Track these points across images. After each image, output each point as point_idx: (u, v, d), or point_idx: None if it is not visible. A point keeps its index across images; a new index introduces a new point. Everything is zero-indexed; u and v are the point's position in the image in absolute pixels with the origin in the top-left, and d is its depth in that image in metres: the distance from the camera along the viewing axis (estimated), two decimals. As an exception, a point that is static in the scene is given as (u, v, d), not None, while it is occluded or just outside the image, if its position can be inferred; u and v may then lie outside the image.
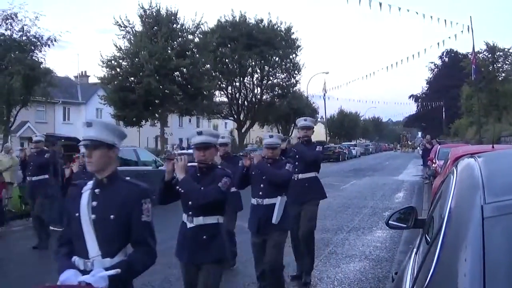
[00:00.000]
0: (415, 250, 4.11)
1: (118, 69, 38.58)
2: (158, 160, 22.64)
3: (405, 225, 4.94)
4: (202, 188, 5.82)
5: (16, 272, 10.56)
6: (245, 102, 52.87)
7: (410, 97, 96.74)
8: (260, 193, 7.82)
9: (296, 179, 8.99)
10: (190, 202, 5.90)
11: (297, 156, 9.23)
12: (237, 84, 51.71)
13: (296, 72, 53.09)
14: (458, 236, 2.54)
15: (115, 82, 38.08)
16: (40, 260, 11.82)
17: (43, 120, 51.48)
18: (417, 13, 34.56)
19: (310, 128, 9.47)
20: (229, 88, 51.84)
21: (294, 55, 52.36)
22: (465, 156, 4.31)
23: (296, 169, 8.88)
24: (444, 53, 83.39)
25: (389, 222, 4.98)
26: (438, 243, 2.70)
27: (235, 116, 53.45)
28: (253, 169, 7.84)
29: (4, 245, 13.60)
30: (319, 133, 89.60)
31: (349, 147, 74.76)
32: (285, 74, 52.74)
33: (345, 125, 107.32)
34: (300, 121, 9.57)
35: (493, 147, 9.66)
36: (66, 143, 18.67)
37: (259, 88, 52.73)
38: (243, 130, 52.87)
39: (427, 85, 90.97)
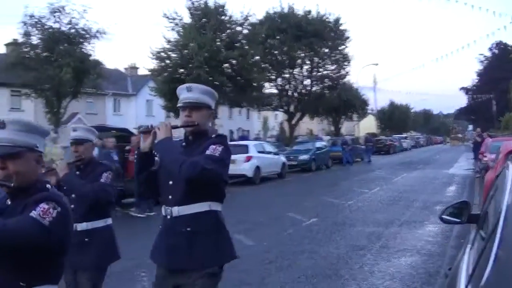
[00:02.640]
0: (469, 246, 4.06)
1: (167, 61, 38.82)
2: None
3: (459, 220, 4.87)
4: None
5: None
6: (295, 94, 52.60)
7: (460, 89, 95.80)
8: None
9: (169, 216, 4.49)
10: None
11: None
12: (287, 75, 51.51)
13: (345, 63, 52.69)
14: (517, 232, 2.51)
15: (165, 74, 38.32)
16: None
17: (94, 111, 52.02)
18: (465, 4, 34.13)
19: (198, 106, 4.64)
20: (279, 79, 51.64)
21: (343, 47, 51.99)
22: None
23: (170, 196, 4.52)
24: (494, 45, 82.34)
25: (443, 216, 4.93)
26: (495, 239, 2.66)
27: (285, 108, 53.28)
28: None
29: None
30: (370, 126, 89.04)
31: (399, 139, 74.13)
32: (334, 66, 52.33)
33: (395, 118, 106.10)
34: (181, 92, 4.77)
35: (544, 141, 9.52)
36: (117, 134, 18.81)
37: (308, 80, 52.43)
38: (293, 122, 52.71)
39: (478, 77, 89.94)
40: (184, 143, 4.72)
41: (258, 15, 47.28)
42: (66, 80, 30.08)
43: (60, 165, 5.75)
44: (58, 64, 30.62)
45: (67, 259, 3.22)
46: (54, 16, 32.43)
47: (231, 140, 39.24)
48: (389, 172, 32.51)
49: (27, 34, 33.04)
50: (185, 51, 36.98)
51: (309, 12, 49.69)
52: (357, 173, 32.60)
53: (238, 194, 22.00)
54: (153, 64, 39.27)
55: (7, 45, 45.76)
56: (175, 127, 4.65)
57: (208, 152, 4.34)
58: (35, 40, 33.27)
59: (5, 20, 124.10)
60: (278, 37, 48.21)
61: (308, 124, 74.29)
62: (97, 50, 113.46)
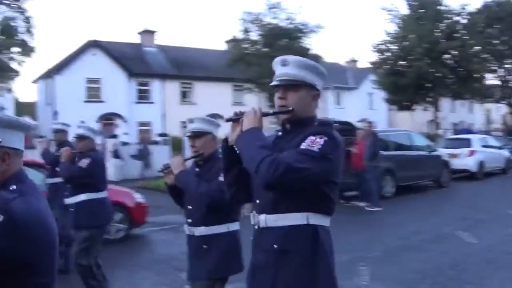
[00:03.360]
0: None
1: (387, 53, 38.84)
2: (432, 145, 22.53)
3: None
4: None
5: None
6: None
7: None
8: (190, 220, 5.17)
9: (256, 226, 3.55)
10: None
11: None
12: (508, 66, 49.31)
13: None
14: None
15: (386, 67, 38.34)
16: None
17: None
18: None
19: (295, 85, 3.47)
20: (500, 70, 49.54)
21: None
22: None
23: (258, 200, 3.57)
24: None
25: None
26: None
27: (508, 100, 51.09)
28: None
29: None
30: None
31: None
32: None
33: None
34: (276, 67, 3.60)
35: None
36: (340, 127, 19.02)
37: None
38: (517, 116, 50.63)
39: None
40: (280, 133, 3.61)
41: (475, 4, 45.89)
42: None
43: (175, 161, 5.19)
44: (278, 59, 31.75)
45: (52, 279, 2.66)
46: (272, 12, 33.62)
47: (455, 133, 38.25)
48: None
49: (246, 31, 34.50)
50: (405, 42, 36.80)
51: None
52: None
53: (461, 190, 21.63)
54: (374, 56, 39.54)
55: (227, 42, 48.03)
56: (266, 114, 3.55)
57: (303, 145, 3.25)
58: (254, 36, 34.63)
59: (225, 18, 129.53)
60: (497, 26, 46.40)
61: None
62: (316, 44, 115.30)
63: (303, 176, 3.12)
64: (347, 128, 18.37)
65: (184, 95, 47.42)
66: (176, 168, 5.07)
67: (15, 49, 28.83)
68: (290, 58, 3.53)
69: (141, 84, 45.45)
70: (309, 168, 3.12)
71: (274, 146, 3.40)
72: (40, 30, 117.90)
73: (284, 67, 3.50)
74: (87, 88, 42.55)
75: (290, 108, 3.42)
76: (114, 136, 30.98)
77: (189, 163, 5.37)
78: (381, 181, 17.83)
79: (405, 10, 39.40)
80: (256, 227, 3.50)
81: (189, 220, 5.08)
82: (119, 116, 42.80)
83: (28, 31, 28.70)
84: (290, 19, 34.18)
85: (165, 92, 45.96)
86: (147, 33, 49.43)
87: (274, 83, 3.52)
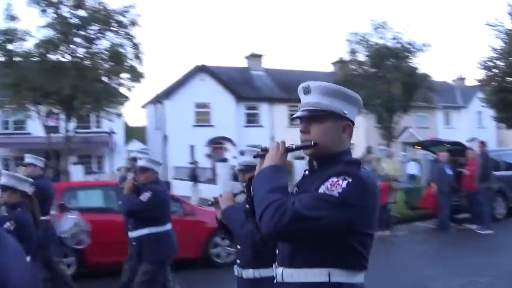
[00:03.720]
0: None
1: (495, 70, 38.14)
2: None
3: None
4: None
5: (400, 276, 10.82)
6: None
7: None
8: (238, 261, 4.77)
9: (275, 280, 3.09)
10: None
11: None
12: None
13: None
14: None
15: (493, 84, 37.67)
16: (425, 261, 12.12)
17: (424, 125, 52.04)
18: None
19: (318, 116, 2.97)
20: None
21: None
22: None
23: (277, 251, 3.12)
24: None
25: None
26: None
27: None
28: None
29: (389, 249, 14.14)
30: None
31: None
32: None
33: None
34: (300, 95, 3.14)
35: None
36: (451, 148, 18.78)
37: None
38: None
39: None
40: (307, 172, 3.12)
41: None
42: (396, 95, 30.87)
43: (224, 195, 4.69)
44: (387, 79, 31.59)
45: None
46: (378, 32, 33.69)
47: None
48: None
49: (353, 52, 34.65)
50: (511, 58, 36.11)
51: None
52: None
53: None
54: (480, 74, 38.89)
55: (334, 63, 48.24)
56: (290, 150, 3.03)
57: (322, 188, 2.75)
58: (361, 57, 34.73)
59: (331, 40, 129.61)
60: None
61: None
62: (423, 63, 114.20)
63: (315, 226, 2.65)
64: (458, 149, 18.18)
65: (293, 118, 47.57)
66: (224, 203, 4.63)
67: (125, 75, 29.55)
68: (313, 84, 3.03)
69: (249, 108, 46.15)
70: (324, 217, 2.64)
71: (299, 187, 3.03)
72: (149, 56, 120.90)
73: (306, 96, 3.04)
74: (196, 112, 43.44)
75: (311, 143, 2.93)
76: (224, 160, 31.38)
77: (240, 198, 4.64)
78: (493, 203, 17.40)
79: (509, 24, 38.68)
80: (275, 281, 3.03)
81: (238, 261, 4.71)
82: (228, 140, 43.40)
83: (137, 57, 29.42)
84: (396, 39, 34.03)
85: (273, 115, 46.33)
86: (254, 57, 50.12)
87: (295, 114, 3.07)
